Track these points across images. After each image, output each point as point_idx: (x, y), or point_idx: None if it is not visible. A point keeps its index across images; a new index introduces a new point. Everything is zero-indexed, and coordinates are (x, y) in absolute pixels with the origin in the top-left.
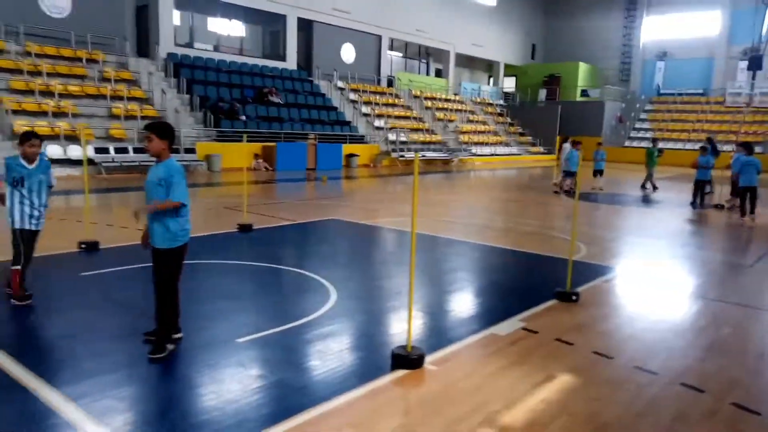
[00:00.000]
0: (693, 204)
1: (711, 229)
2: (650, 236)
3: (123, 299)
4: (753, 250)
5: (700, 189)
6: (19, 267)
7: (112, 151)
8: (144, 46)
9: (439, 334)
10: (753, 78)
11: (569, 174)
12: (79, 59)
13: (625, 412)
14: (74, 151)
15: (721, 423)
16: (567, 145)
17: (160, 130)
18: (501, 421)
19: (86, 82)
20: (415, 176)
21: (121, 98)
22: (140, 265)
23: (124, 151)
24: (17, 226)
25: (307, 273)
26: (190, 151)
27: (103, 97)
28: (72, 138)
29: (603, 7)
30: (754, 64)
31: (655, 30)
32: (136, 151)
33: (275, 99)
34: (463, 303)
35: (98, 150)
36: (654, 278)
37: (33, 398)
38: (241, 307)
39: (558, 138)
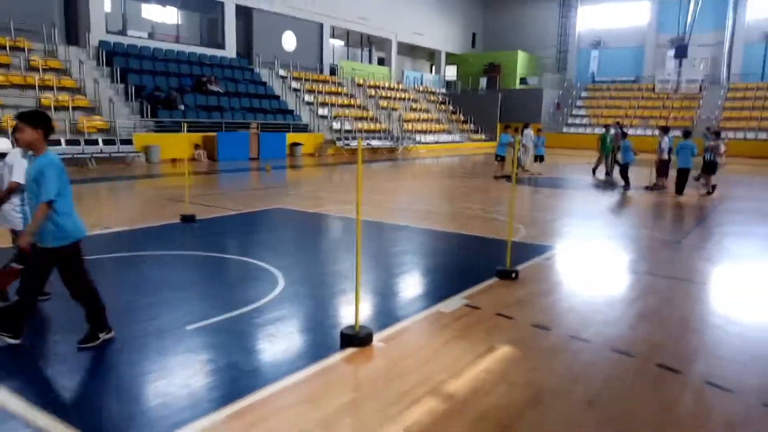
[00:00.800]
0: (625, 187)
1: (642, 210)
2: (586, 217)
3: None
4: (680, 227)
5: (625, 171)
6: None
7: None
8: (73, 34)
9: (386, 313)
10: (680, 65)
11: (503, 158)
12: (2, 47)
13: (560, 378)
14: (1, 144)
15: (647, 381)
16: (528, 131)
17: (32, 118)
18: (446, 390)
19: (11, 71)
20: (359, 155)
21: (50, 88)
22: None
23: (56, 143)
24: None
25: (253, 261)
26: (127, 142)
27: (31, 87)
28: None
29: None
30: (680, 53)
31: (589, 20)
32: (69, 143)
33: (215, 88)
34: (410, 284)
35: None
36: (589, 256)
37: None
38: (189, 296)
39: (499, 125)
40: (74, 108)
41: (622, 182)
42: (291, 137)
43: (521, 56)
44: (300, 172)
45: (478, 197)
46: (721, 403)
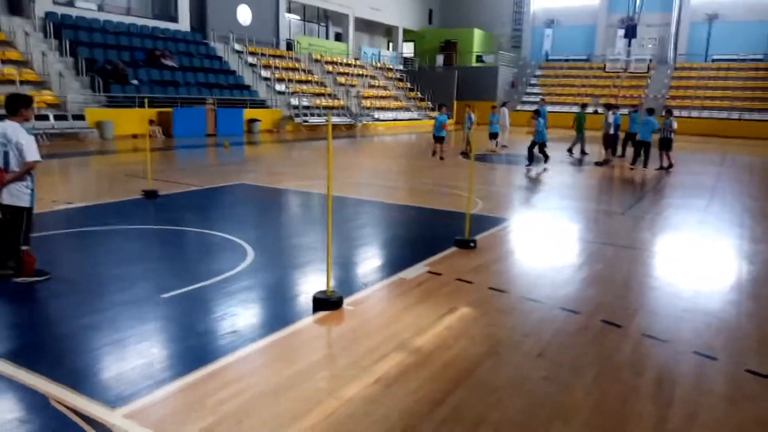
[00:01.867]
0: (529, 165)
1: (591, 183)
2: (539, 191)
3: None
4: (625, 200)
5: (542, 148)
6: (29, 246)
7: None
8: (16, 4)
9: (354, 280)
10: (629, 45)
11: (439, 140)
12: None
13: (514, 332)
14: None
15: (591, 334)
16: (504, 109)
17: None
18: (412, 346)
19: None
20: (328, 131)
21: None
22: (41, 234)
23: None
24: (35, 204)
25: (221, 234)
26: (79, 117)
27: None
28: None
29: None
30: (630, 32)
31: None
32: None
33: (168, 62)
34: (374, 254)
35: None
36: (541, 226)
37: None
38: (160, 267)
39: (456, 103)
40: (21, 82)
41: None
42: (248, 113)
43: (477, 34)
44: (259, 148)
45: (436, 173)
46: (656, 352)
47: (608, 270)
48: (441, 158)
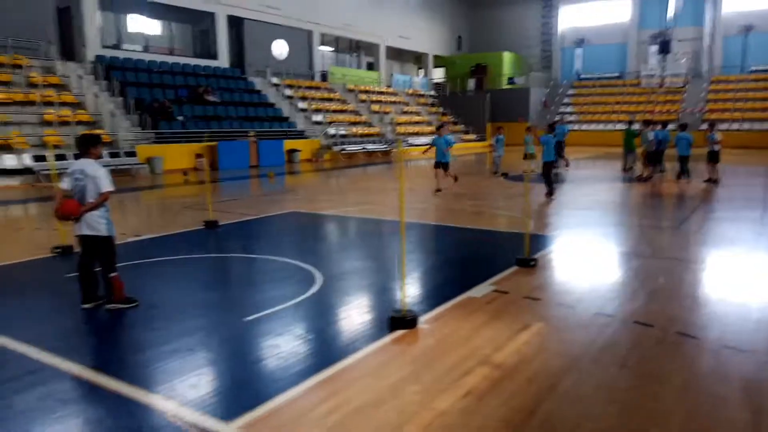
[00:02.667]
0: (550, 192)
1: (637, 199)
2: (584, 208)
3: None
4: (677, 214)
5: (548, 171)
6: (117, 273)
7: (51, 158)
8: (69, 49)
9: (423, 300)
10: (664, 60)
11: (442, 166)
12: (1, 64)
13: (591, 346)
14: (8, 161)
15: (669, 346)
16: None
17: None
18: (494, 361)
19: (12, 89)
20: (399, 158)
21: (51, 104)
22: (118, 264)
23: (63, 158)
24: (114, 233)
25: (285, 259)
26: (131, 154)
27: (32, 103)
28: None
29: None
30: (664, 48)
31: (571, 18)
32: (75, 157)
33: (211, 98)
34: (438, 274)
35: (37, 158)
36: (595, 243)
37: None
38: (236, 292)
39: (489, 125)
40: (77, 123)
41: (551, 183)
42: (288, 144)
43: (507, 56)
44: (301, 177)
45: (477, 195)
46: (737, 361)
47: (672, 283)
48: (438, 189)
